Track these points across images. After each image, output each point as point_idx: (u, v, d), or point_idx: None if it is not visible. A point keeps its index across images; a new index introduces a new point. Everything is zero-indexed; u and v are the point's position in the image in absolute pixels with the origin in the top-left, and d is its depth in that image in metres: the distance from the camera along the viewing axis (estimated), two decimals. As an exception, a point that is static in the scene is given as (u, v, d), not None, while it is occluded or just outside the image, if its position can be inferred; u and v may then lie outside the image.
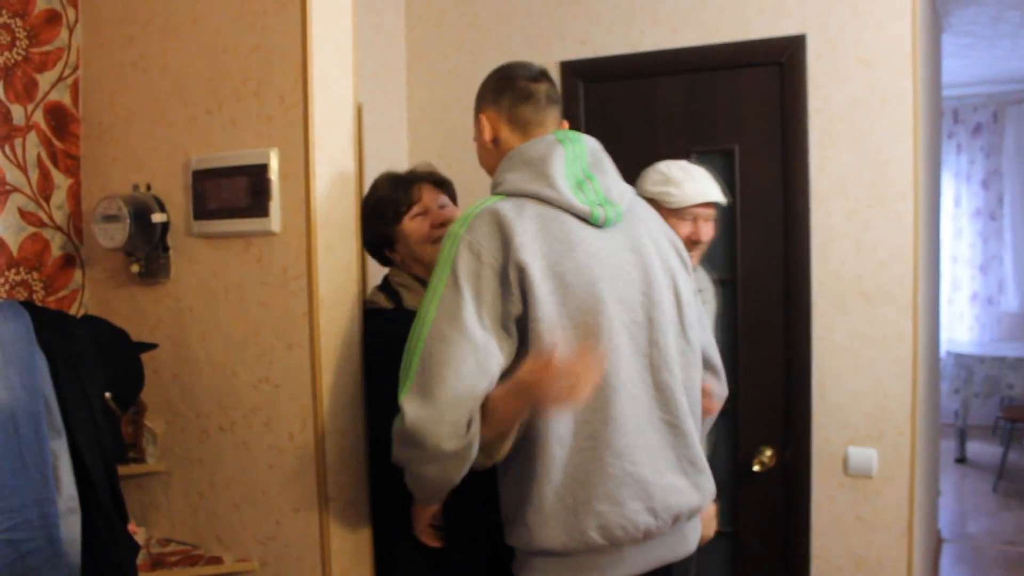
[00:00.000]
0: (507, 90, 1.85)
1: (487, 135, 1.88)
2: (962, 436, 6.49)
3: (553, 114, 1.87)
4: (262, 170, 1.99)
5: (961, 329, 7.45)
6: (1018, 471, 6.25)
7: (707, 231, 2.42)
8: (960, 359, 6.25)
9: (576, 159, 1.77)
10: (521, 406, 1.61)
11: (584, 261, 1.68)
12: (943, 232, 7.24)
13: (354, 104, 2.08)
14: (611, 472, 1.67)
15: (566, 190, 1.71)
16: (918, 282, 2.80)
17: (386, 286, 2.19)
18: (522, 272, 1.62)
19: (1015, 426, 6.05)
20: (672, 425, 1.75)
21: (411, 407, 1.59)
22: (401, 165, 3.30)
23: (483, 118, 1.89)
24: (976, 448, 6.73)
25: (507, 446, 1.71)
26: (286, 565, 2.07)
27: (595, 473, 1.67)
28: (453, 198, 2.29)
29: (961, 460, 6.47)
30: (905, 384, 2.78)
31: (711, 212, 2.43)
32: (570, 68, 3.16)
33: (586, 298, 1.66)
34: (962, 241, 7.43)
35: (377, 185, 2.23)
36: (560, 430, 1.67)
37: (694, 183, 2.37)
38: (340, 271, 2.02)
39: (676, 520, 1.76)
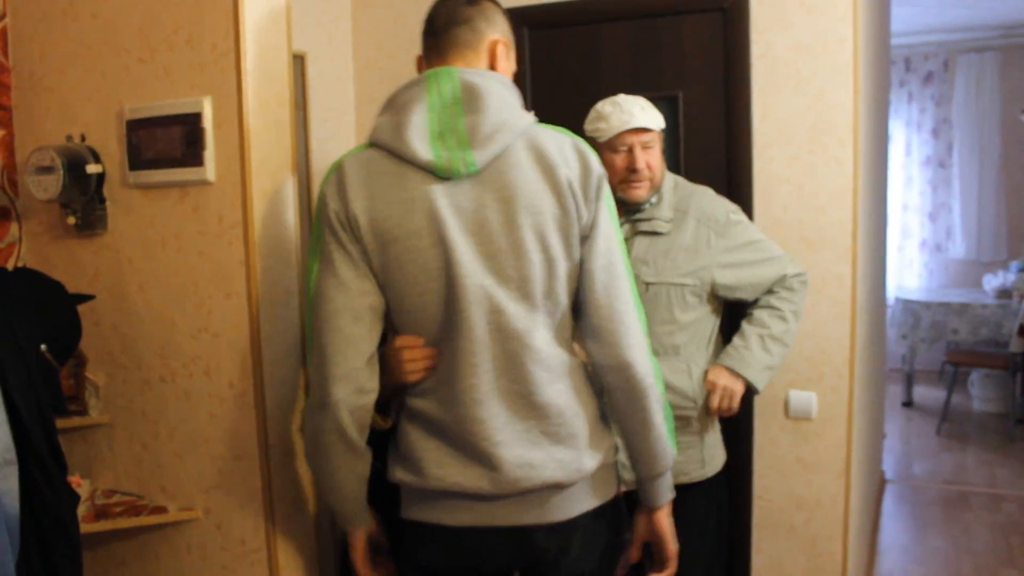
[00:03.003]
0: (425, 23, 1.78)
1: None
2: (909, 380, 6.64)
3: (456, 40, 1.71)
4: (196, 119, 1.97)
5: (911, 276, 7.58)
6: (960, 414, 6.43)
7: (641, 158, 2.36)
8: (907, 305, 6.37)
9: (441, 101, 1.63)
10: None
11: (422, 222, 1.59)
12: (894, 180, 7.35)
13: (288, 52, 2.06)
14: (453, 439, 1.68)
15: (415, 141, 1.60)
16: (857, 227, 2.85)
17: None
18: (358, 228, 1.61)
19: (958, 370, 6.20)
20: (521, 395, 1.65)
21: (312, 372, 1.67)
22: (347, 115, 3.29)
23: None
24: (923, 392, 6.90)
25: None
26: (230, 513, 2.09)
27: (443, 437, 1.69)
28: None
29: (908, 404, 6.63)
30: (844, 328, 2.84)
31: (646, 139, 2.37)
32: (516, 15, 3.13)
33: (428, 260, 1.60)
34: (912, 189, 7.53)
35: None
36: (418, 391, 1.72)
37: (620, 114, 2.36)
38: (277, 219, 2.01)
39: (525, 492, 1.69)
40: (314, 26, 3.11)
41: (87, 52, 2.17)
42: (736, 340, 2.49)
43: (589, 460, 1.71)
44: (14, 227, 2.33)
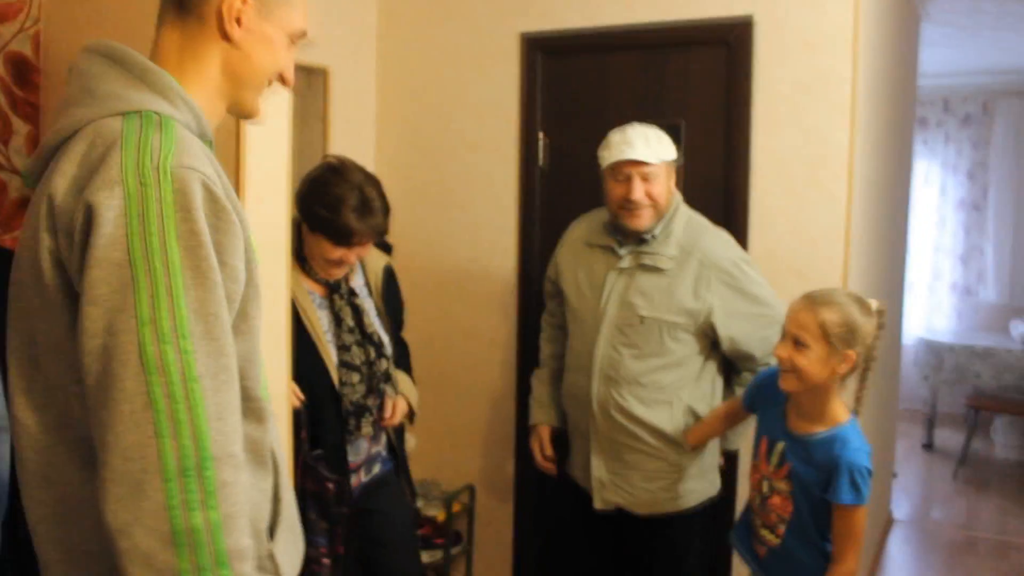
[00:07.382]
0: None
1: None
2: (930, 423, 6.58)
3: None
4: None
5: (940, 318, 7.52)
6: (980, 460, 6.35)
7: (639, 189, 2.39)
8: (931, 346, 6.32)
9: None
10: None
11: None
12: (927, 221, 7.34)
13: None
14: None
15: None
16: (849, 262, 2.91)
17: None
18: None
19: (980, 415, 6.14)
20: None
21: None
22: (368, 130, 3.42)
23: None
24: (945, 436, 6.81)
25: None
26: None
27: None
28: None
29: (928, 446, 6.57)
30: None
31: (647, 171, 2.40)
32: (531, 41, 3.26)
33: None
34: (945, 231, 7.48)
35: (343, 198, 2.34)
36: None
37: (620, 144, 2.41)
38: (270, 224, 2.14)
39: None
40: (338, 41, 3.25)
41: (108, 57, 2.32)
42: None
43: None
44: (34, 217, 2.49)
